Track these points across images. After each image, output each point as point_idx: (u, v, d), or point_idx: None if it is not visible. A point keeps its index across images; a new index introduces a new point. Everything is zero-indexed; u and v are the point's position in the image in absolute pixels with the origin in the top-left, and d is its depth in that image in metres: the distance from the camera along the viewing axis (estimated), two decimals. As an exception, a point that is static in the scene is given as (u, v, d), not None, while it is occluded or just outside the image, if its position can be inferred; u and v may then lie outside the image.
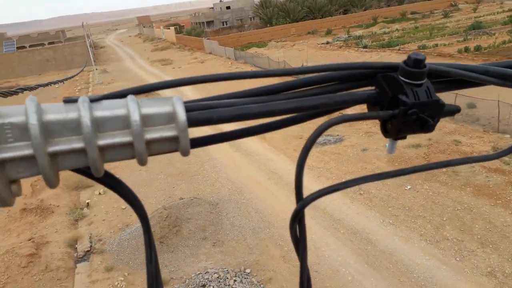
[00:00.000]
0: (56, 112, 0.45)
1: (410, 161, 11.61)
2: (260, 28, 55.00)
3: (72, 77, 8.52)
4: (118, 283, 8.41)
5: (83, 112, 0.45)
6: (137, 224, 10.36)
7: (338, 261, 8.26)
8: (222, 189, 11.80)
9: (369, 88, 0.60)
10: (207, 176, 12.79)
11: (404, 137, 0.60)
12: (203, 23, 67.70)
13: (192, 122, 0.49)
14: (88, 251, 9.71)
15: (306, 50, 34.14)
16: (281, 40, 47.24)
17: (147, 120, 0.47)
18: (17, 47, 55.35)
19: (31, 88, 2.90)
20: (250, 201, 10.97)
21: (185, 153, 0.49)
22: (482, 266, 7.61)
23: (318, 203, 10.38)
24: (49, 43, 60.03)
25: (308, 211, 9.99)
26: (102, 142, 0.45)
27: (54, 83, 4.95)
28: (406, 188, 10.47)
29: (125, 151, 0.47)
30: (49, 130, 0.44)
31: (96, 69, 36.10)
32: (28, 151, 0.43)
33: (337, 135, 14.70)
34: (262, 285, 8.00)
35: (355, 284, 7.63)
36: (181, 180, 12.66)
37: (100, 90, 29.16)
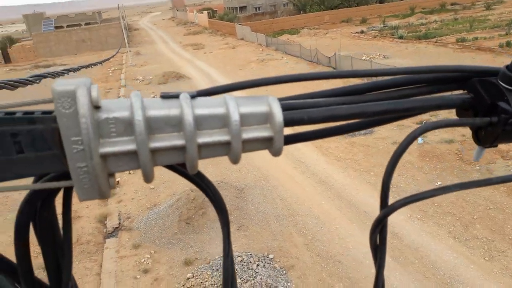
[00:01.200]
0: (158, 108, 0.45)
1: (442, 156, 11.32)
2: (293, 15, 54.33)
3: (110, 58, 8.71)
4: (144, 260, 8.66)
5: (186, 109, 0.45)
6: (165, 204, 10.61)
7: (363, 253, 8.22)
8: (248, 175, 11.88)
9: (460, 92, 0.58)
10: (234, 161, 12.89)
11: (496, 145, 0.57)
12: (236, 8, 67.45)
13: (284, 123, 0.49)
14: (116, 227, 10.03)
15: (339, 39, 33.52)
16: (314, 27, 46.52)
17: (244, 120, 0.47)
18: (55, 27, 56.84)
19: (74, 70, 2.99)
20: (275, 189, 11.01)
21: (277, 154, 0.49)
22: (512, 268, 7.40)
23: (345, 194, 10.31)
24: (86, 24, 61.40)
25: (334, 202, 9.96)
26: (201, 140, 0.46)
27: (94, 64, 5.08)
28: (436, 184, 10.23)
29: (221, 149, 0.47)
30: (151, 126, 0.45)
31: (130, 51, 36.69)
32: (131, 147, 0.44)
33: (367, 126, 14.45)
34: (284, 271, 8.06)
35: (378, 277, 7.57)
36: (209, 164, 12.82)
37: (133, 72, 29.68)
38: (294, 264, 8.16)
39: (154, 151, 0.45)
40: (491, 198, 9.38)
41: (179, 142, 0.45)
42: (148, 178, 0.45)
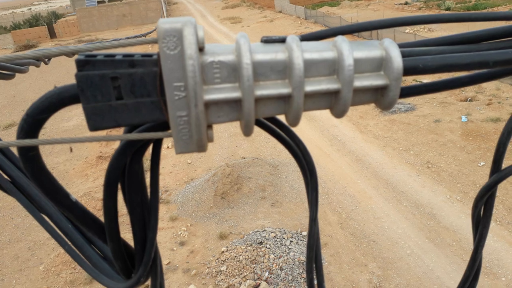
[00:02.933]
0: (264, 52, 0.41)
1: (487, 136, 10.79)
2: (334, -14, 52.40)
3: (153, 31, 8.83)
4: (181, 233, 8.95)
5: (296, 52, 0.40)
6: (201, 178, 10.84)
7: (398, 234, 8.09)
8: (283, 152, 11.86)
9: None
10: (268, 138, 12.89)
11: None
12: (275, -20, 65.83)
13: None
14: (155, 200, 10.39)
15: (382, 11, 32.17)
16: (355, -1, 44.78)
17: (357, 65, 0.42)
18: (97, 2, 57.93)
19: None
20: (311, 166, 10.94)
21: (389, 107, 0.44)
22: (558, 255, 7.07)
23: (382, 173, 10.11)
24: (126, -2, 62.12)
25: (370, 181, 9.80)
26: (309, 88, 0.41)
27: (138, 36, 5.16)
28: (479, 164, 9.81)
29: (327, 100, 0.43)
30: (257, 72, 0.41)
31: (169, 26, 36.93)
32: (236, 94, 0.40)
33: (409, 103, 13.96)
34: (317, 249, 8.09)
35: (413, 258, 7.47)
36: (244, 140, 12.89)
37: (171, 47, 29.93)
38: (328, 242, 8.18)
39: (258, 100, 0.41)
40: (539, 181, 8.90)
41: (285, 90, 0.41)
42: (249, 130, 0.43)
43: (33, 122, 0.41)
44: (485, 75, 0.50)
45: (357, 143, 11.80)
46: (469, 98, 13.12)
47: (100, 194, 10.38)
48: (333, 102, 0.43)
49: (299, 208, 9.30)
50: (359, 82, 0.42)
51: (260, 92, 0.40)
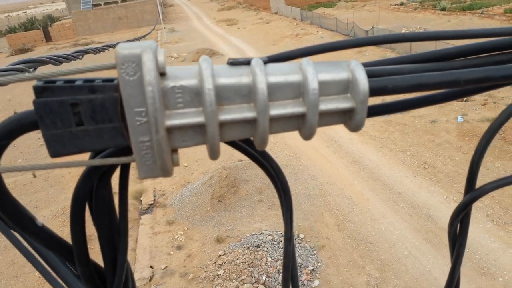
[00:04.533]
0: (228, 76, 0.41)
1: (483, 136, 10.82)
2: (329, -13, 52.52)
3: (147, 35, 8.81)
4: (178, 237, 8.92)
5: (259, 76, 0.40)
6: (198, 181, 10.81)
7: (395, 235, 8.09)
8: (280, 154, 11.85)
9: None
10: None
11: None
12: (270, -19, 65.92)
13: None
14: (151, 204, 10.35)
15: (377, 12, 32.24)
16: (351, 0, 44.90)
17: (322, 88, 0.42)
18: (93, 5, 57.87)
19: (114, 45, 3.04)
20: (307, 168, 10.94)
21: (357, 129, 0.43)
22: (555, 255, 7.08)
23: (378, 175, 10.11)
24: (122, 1, 62.11)
25: (367, 183, 9.79)
26: (274, 112, 0.41)
27: (131, 41, 5.15)
28: (476, 165, 9.82)
29: (294, 122, 0.42)
30: (220, 96, 0.40)
31: (165, 28, 36.94)
32: (199, 119, 0.39)
33: (404, 104, 13.95)
34: (315, 251, 8.08)
35: (411, 260, 7.46)
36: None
37: (167, 49, 29.92)
38: (325, 244, 8.16)
39: (222, 125, 0.41)
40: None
41: (250, 114, 0.40)
42: (215, 154, 0.42)
43: None
44: (458, 92, 0.49)
45: (353, 145, 11.80)
46: (465, 98, 13.16)
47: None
48: (300, 124, 0.43)
49: (296, 210, 9.28)
50: (325, 105, 0.41)
51: (224, 116, 0.40)
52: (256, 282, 7.55)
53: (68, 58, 1.66)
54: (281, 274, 7.74)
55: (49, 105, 0.39)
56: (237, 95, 0.40)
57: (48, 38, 45.53)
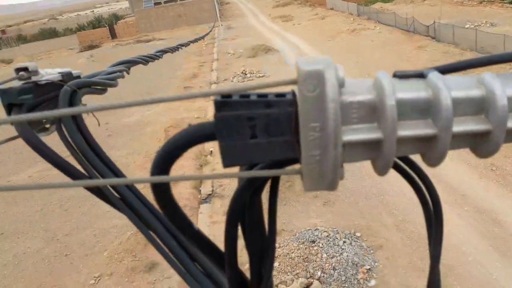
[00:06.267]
0: (406, 90, 0.40)
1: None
2: (389, -18, 50.79)
3: (209, 32, 9.07)
4: (234, 228, 9.10)
5: (444, 92, 0.38)
6: (253, 176, 10.94)
7: (459, 239, 7.73)
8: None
9: None
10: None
11: None
12: (327, -23, 64.89)
13: None
14: (210, 194, 10.65)
15: (439, 6, 30.74)
16: (412, -6, 43.12)
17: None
18: (154, 3, 60.10)
19: (186, 44, 3.18)
20: (363, 166, 10.70)
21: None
22: None
23: (440, 175, 9.70)
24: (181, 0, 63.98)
25: (428, 182, 9.42)
26: (456, 128, 0.39)
27: (199, 39, 5.32)
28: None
29: (469, 140, 0.41)
30: (398, 111, 0.39)
31: (222, 25, 37.59)
32: (376, 135, 0.39)
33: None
34: (371, 251, 7.93)
35: (476, 266, 7.11)
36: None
37: (224, 46, 30.46)
38: (383, 245, 7.98)
39: (398, 141, 0.39)
40: None
41: (429, 130, 0.39)
42: (386, 170, 0.41)
43: (167, 159, 0.44)
44: None
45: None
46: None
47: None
48: (478, 142, 0.41)
49: (352, 208, 9.15)
50: (511, 123, 0.40)
51: (403, 133, 0.39)
52: (310, 277, 7.54)
53: (153, 58, 1.80)
54: (336, 271, 7.70)
55: (227, 119, 0.41)
56: (413, 110, 0.40)
57: (113, 35, 48.00)
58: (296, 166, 0.43)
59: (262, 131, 0.41)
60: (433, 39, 21.58)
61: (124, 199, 0.89)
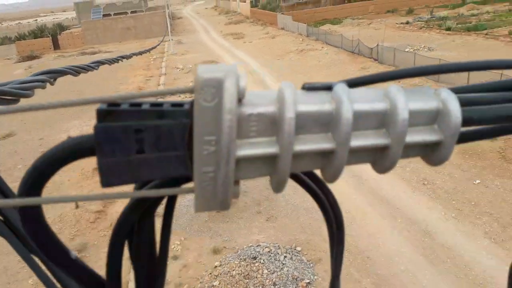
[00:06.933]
0: (309, 103, 0.37)
1: (483, 154, 10.82)
2: (337, 4, 53.20)
3: (157, 46, 8.95)
4: (174, 247, 8.91)
5: (346, 105, 0.36)
6: (196, 191, 10.82)
7: (392, 250, 8.05)
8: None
9: None
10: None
11: None
12: (278, -3, 66.79)
13: None
14: (150, 212, 10.37)
15: (383, 30, 32.51)
16: (357, 17, 45.36)
17: (410, 119, 0.37)
18: (103, 15, 58.74)
19: (127, 57, 3.10)
20: (307, 181, 10.95)
21: (440, 163, 0.40)
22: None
23: (378, 190, 10.10)
24: (132, 12, 63.05)
25: (365, 196, 9.79)
26: (355, 143, 0.37)
27: (144, 52, 5.23)
28: (474, 182, 9.81)
29: (372, 154, 0.39)
30: (298, 125, 0.36)
31: (172, 40, 37.37)
32: (272, 149, 0.36)
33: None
34: (311, 264, 8.05)
35: (407, 275, 7.42)
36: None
37: (173, 61, 30.26)
38: (322, 258, 8.13)
39: (295, 156, 0.37)
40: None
41: (328, 145, 0.37)
42: (281, 187, 0.38)
43: (39, 177, 0.37)
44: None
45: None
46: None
47: (94, 206, 10.38)
48: (378, 157, 0.39)
49: (294, 223, 9.27)
50: (410, 137, 0.38)
51: (299, 147, 0.37)
52: (251, 293, 7.52)
53: (86, 69, 1.68)
54: (276, 286, 7.72)
55: (112, 130, 0.35)
56: (315, 123, 0.37)
57: (56, 46, 46.15)
58: (190, 184, 0.38)
59: (151, 145, 0.36)
60: (376, 60, 22.71)
61: (8, 222, 0.79)
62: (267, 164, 0.37)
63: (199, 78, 0.34)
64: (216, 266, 8.17)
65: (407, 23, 37.82)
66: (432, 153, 0.39)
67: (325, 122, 0.37)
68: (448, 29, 31.15)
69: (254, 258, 8.33)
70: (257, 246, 8.63)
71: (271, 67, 24.85)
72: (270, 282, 7.75)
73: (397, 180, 10.43)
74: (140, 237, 0.47)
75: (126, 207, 0.43)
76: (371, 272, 7.61)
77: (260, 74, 23.59)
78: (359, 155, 0.39)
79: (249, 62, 27.19)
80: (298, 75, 22.22)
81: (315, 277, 7.75)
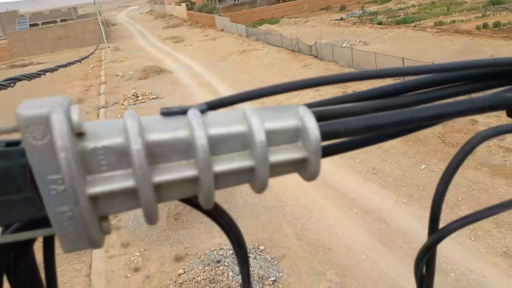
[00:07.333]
0: (161, 131, 0.35)
1: (425, 140, 11.49)
2: (272, 4, 54.08)
3: (89, 55, 8.52)
4: (134, 259, 8.60)
5: (198, 131, 0.35)
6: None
7: (352, 240, 8.32)
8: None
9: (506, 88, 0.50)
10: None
11: None
12: (214, -1, 66.67)
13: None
14: (104, 227, 9.93)
15: (319, 27, 33.54)
16: (294, 16, 46.45)
17: (270, 138, 0.37)
18: (30, 25, 55.44)
19: (52, 70, 2.87)
20: (263, 180, 11.02)
21: (312, 178, 0.40)
22: (498, 246, 7.59)
23: (330, 181, 10.39)
24: (61, 21, 60.07)
25: (320, 190, 10.03)
26: (219, 168, 0.36)
27: (72, 63, 4.94)
28: (420, 167, 10.39)
29: (243, 176, 0.38)
30: (154, 154, 0.35)
31: (108, 47, 36.06)
32: (128, 183, 0.34)
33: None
34: (275, 262, 8.12)
35: (368, 263, 7.69)
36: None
37: (112, 69, 29.21)
38: (285, 254, 8.22)
39: (158, 186, 0.35)
40: (474, 179, 9.58)
41: (191, 172, 0.35)
42: (152, 219, 0.36)
43: None
44: (411, 128, 0.47)
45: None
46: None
47: (43, 226, 9.76)
48: (251, 177, 0.38)
49: (254, 223, 9.30)
50: (275, 157, 0.38)
51: (160, 178, 0.35)
52: (218, 298, 7.43)
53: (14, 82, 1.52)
54: (243, 288, 7.70)
55: None
56: (173, 151, 0.35)
57: (-19, 60, 42.90)
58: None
59: None
60: (316, 57, 23.35)
61: None
62: (130, 197, 0.35)
63: (20, 117, 0.31)
64: (180, 274, 8.00)
65: (341, 19, 39.30)
66: (303, 169, 0.39)
67: (183, 149, 0.36)
68: (380, 23, 32.75)
69: (218, 261, 8.25)
70: (220, 249, 8.55)
71: (215, 69, 24.74)
72: (236, 284, 7.72)
73: (349, 172, 10.79)
74: (18, 276, 0.43)
75: None
76: (333, 263, 7.81)
77: (205, 76, 23.41)
78: (229, 178, 0.38)
79: (192, 65, 26.89)
80: (243, 75, 22.31)
81: (281, 274, 7.83)
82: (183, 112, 0.37)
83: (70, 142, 0.32)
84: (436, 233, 0.51)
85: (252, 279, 7.60)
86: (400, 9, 40.90)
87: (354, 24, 35.56)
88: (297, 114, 0.39)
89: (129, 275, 8.19)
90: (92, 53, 12.24)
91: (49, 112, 0.31)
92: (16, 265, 0.43)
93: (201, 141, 0.35)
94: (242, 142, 0.37)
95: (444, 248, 7.69)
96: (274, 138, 0.38)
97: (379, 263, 7.63)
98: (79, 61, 7.13)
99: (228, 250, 8.42)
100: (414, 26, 29.57)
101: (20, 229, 0.39)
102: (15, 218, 0.35)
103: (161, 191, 0.36)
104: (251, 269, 7.85)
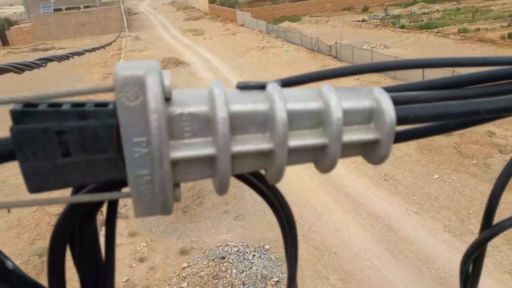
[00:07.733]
0: (243, 102, 0.36)
1: (440, 149, 11.31)
2: (295, 2, 53.76)
3: (112, 42, 8.60)
4: (140, 249, 8.70)
5: (279, 104, 0.36)
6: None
7: (358, 246, 8.26)
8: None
9: None
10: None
11: None
12: (237, -7, 66.52)
13: None
14: (114, 215, 10.06)
15: (340, 27, 33.23)
16: (315, 15, 46.09)
17: (345, 118, 0.38)
18: (54, 9, 56.20)
19: (79, 53, 2.93)
20: (273, 179, 11.01)
21: (380, 161, 0.40)
22: (506, 263, 7.46)
23: (341, 185, 10.32)
24: (85, 7, 60.70)
25: (330, 193, 9.98)
26: (293, 143, 0.37)
27: (97, 48, 5.00)
28: (433, 177, 10.24)
29: (311, 154, 0.39)
30: (233, 124, 0.36)
31: (129, 36, 36.34)
32: (209, 150, 0.35)
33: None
34: (280, 262, 8.11)
35: (373, 270, 7.63)
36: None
37: (132, 57, 29.44)
38: (290, 255, 8.20)
39: (234, 156, 0.36)
40: (487, 192, 9.34)
41: (267, 145, 0.36)
42: (224, 189, 0.37)
43: None
44: (474, 121, 0.48)
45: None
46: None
47: (54, 208, 9.93)
48: (319, 156, 0.39)
49: (262, 221, 9.30)
50: (347, 137, 0.38)
51: (238, 148, 0.36)
52: (221, 294, 7.47)
53: (31, 66, 1.56)
54: (245, 285, 7.71)
55: (30, 133, 0.33)
56: (251, 123, 0.37)
57: (5, 42, 43.67)
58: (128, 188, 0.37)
59: (77, 148, 0.34)
60: (335, 58, 23.16)
61: None
62: (206, 166, 0.36)
63: (117, 76, 0.32)
64: (184, 267, 8.06)
65: (363, 21, 38.86)
66: (371, 152, 0.40)
67: (261, 122, 0.37)
68: (402, 27, 32.30)
69: (223, 258, 8.28)
70: (225, 245, 8.59)
71: (233, 64, 24.74)
72: (239, 281, 7.74)
73: (360, 177, 10.70)
74: (82, 242, 0.44)
75: (62, 212, 0.41)
76: (338, 268, 7.77)
77: (223, 71, 23.44)
78: (299, 154, 0.39)
79: (211, 59, 26.94)
80: (261, 72, 22.27)
81: (284, 275, 7.82)
82: (260, 86, 0.38)
83: (161, 105, 0.33)
84: (489, 229, 0.49)
85: (255, 278, 7.63)
86: (424, 13, 40.23)
87: (376, 26, 35.14)
88: (371, 95, 0.39)
89: (133, 264, 8.29)
90: (114, 40, 12.32)
91: (145, 74, 0.32)
92: (81, 231, 0.43)
93: (281, 113, 0.35)
94: (316, 119, 0.38)
95: (451, 263, 7.58)
96: (349, 117, 0.38)
97: (384, 271, 7.57)
98: (103, 47, 7.20)
99: (233, 247, 8.45)
100: (437, 32, 29.07)
101: (94, 191, 0.39)
102: (96, 178, 0.36)
103: (236, 161, 0.37)
104: (255, 268, 7.88)
